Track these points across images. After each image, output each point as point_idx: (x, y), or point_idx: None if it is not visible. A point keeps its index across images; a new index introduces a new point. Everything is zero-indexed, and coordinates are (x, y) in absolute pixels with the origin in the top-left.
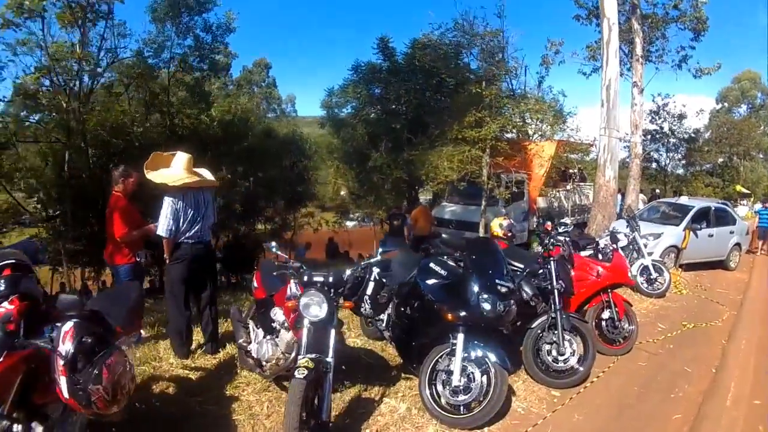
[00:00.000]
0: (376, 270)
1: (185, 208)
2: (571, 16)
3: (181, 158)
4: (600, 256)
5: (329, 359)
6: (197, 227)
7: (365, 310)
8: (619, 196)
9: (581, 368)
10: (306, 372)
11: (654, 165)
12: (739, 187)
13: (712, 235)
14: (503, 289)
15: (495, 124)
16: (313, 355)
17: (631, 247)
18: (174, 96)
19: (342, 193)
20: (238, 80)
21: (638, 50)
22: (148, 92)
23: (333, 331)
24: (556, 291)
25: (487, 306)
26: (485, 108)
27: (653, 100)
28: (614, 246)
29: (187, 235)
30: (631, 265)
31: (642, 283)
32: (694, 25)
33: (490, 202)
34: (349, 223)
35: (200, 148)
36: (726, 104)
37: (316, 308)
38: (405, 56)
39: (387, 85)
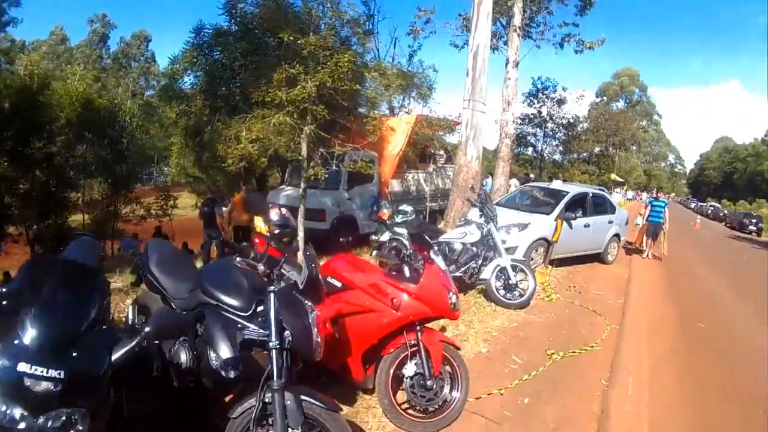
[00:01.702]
0: None
1: None
2: None
3: None
4: (406, 271)
5: None
6: None
7: None
8: (489, 180)
9: None
10: None
11: (530, 150)
12: (613, 176)
13: (588, 225)
14: (43, 385)
15: (311, 81)
16: None
17: (485, 242)
18: None
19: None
20: (116, 53)
21: (517, 20)
22: None
23: None
24: (273, 352)
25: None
26: (302, 62)
27: (533, 84)
28: (429, 256)
29: None
30: (484, 267)
31: (498, 290)
32: None
33: (327, 185)
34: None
35: None
36: (605, 98)
37: None
38: (249, 15)
39: (225, 49)
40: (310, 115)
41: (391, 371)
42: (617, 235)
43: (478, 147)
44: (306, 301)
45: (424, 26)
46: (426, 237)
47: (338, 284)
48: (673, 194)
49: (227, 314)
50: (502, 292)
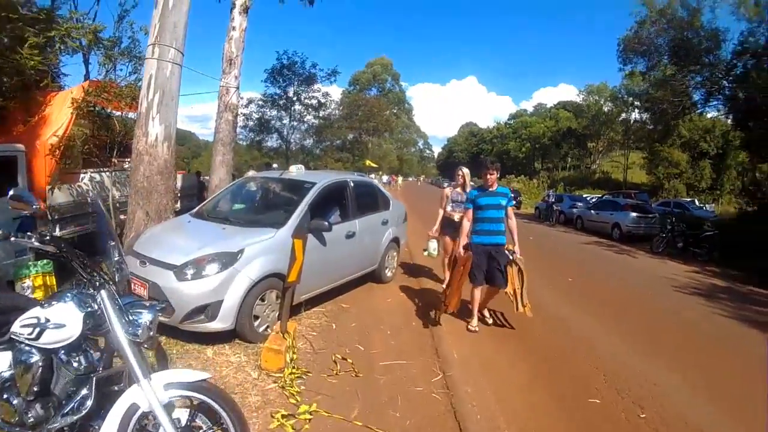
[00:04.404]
0: None
1: None
2: None
3: None
4: None
5: None
6: None
7: None
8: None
9: None
10: None
11: (276, 136)
12: (368, 162)
13: (353, 235)
14: None
15: None
16: None
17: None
18: None
19: None
20: None
21: None
22: None
23: None
24: None
25: None
26: None
27: (278, 59)
28: None
29: None
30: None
31: None
32: None
33: None
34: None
35: None
36: (357, 87)
37: None
38: None
39: None
40: None
41: None
42: (396, 240)
43: (169, 121)
44: None
45: None
46: None
47: None
48: (423, 176)
49: None
50: None
